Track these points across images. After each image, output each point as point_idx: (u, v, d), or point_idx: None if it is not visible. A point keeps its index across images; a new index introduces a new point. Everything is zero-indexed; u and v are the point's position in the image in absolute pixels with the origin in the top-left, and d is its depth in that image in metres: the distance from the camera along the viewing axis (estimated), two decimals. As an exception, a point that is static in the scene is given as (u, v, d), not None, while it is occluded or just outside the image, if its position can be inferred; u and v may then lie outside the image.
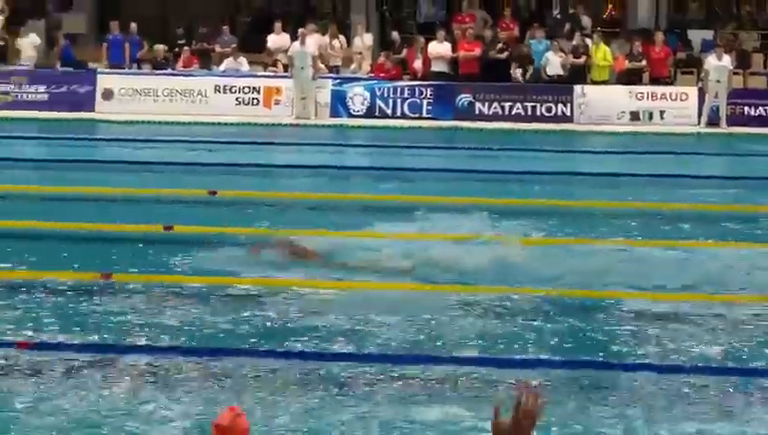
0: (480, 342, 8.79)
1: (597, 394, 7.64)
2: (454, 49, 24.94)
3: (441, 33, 25.13)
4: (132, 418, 7.06)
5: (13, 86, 23.82)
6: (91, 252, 11.44)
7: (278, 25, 26.04)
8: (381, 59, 25.37)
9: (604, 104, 23.83)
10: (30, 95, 23.85)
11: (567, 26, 25.81)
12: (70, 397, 7.38)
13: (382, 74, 24.91)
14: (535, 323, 9.36)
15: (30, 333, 8.79)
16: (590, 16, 27.22)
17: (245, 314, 9.36)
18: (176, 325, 9.06)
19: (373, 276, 10.64)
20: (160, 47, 25.99)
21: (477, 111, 23.99)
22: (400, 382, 7.75)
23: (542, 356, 8.45)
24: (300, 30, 24.42)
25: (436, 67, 24.80)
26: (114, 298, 9.84)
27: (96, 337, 8.74)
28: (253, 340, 8.77)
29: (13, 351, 8.24)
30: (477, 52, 24.78)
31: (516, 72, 24.72)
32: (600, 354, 8.66)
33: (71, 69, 25.20)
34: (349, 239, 11.89)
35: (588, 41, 24.85)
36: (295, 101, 23.77)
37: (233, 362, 8.05)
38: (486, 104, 24.04)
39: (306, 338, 8.75)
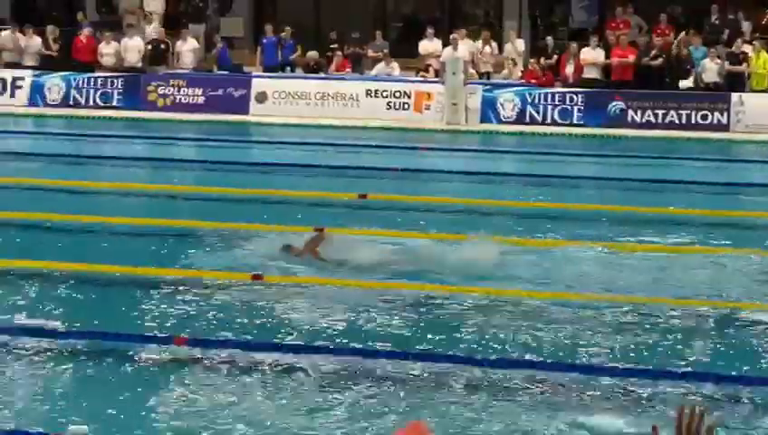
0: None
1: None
2: (607, 55, 24.63)
3: (594, 40, 24.88)
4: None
5: (172, 89, 24.50)
6: (243, 253, 11.65)
7: (430, 31, 26.18)
8: (532, 65, 25.22)
9: (763, 113, 23.15)
10: (188, 98, 24.49)
11: (726, 32, 25.17)
12: (252, 396, 7.53)
13: (533, 80, 24.76)
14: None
15: (187, 329, 9.02)
16: (751, 22, 26.44)
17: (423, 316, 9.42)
18: (323, 327, 9.17)
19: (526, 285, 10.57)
20: (313, 52, 26.40)
21: (630, 119, 23.61)
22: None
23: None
24: (452, 35, 24.44)
25: (588, 74, 24.53)
26: (265, 298, 10.01)
27: (252, 335, 8.90)
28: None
29: (172, 346, 8.48)
30: (631, 58, 24.42)
31: (676, 80, 24.24)
32: None
33: (227, 72, 25.80)
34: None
35: (747, 47, 24.19)
36: (446, 106, 23.80)
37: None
38: (639, 112, 23.64)
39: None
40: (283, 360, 8.19)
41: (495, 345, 8.74)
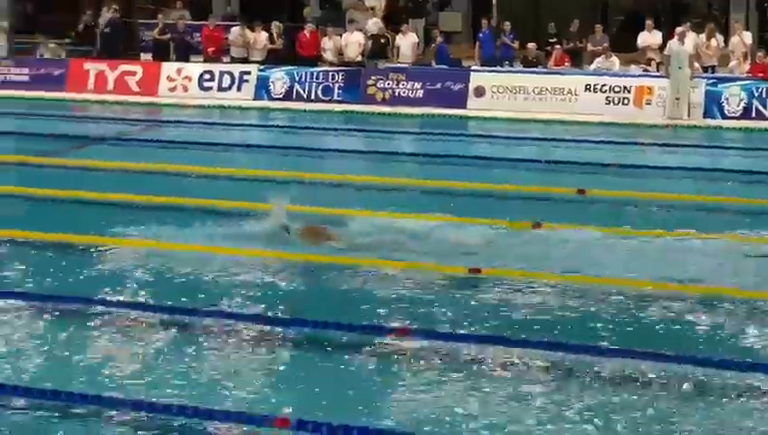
0: None
1: None
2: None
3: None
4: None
5: (391, 83, 24.84)
6: (458, 247, 11.70)
7: (649, 23, 25.62)
8: (761, 58, 24.29)
9: None
10: (407, 92, 24.78)
11: None
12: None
13: (761, 74, 23.85)
14: None
15: (406, 321, 9.15)
16: None
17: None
18: (530, 320, 9.13)
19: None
20: (532, 45, 26.24)
21: None
22: None
23: None
24: (678, 28, 23.83)
25: (821, 67, 23.47)
26: (484, 292, 10.04)
27: (472, 330, 8.94)
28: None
29: (389, 338, 8.62)
30: None
31: None
32: None
33: (445, 67, 25.96)
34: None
35: None
36: (668, 100, 23.22)
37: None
38: None
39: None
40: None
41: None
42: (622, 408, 7.20)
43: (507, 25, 26.48)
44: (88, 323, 8.97)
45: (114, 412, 7.09)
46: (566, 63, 25.86)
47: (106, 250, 11.35)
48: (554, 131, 21.43)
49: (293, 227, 11.90)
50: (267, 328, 8.89)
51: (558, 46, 26.15)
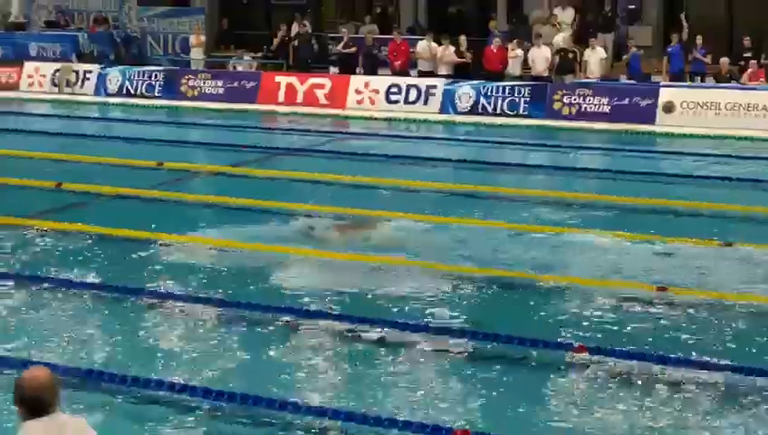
0: None
1: None
2: None
3: None
4: None
5: (577, 98, 24.61)
6: (645, 264, 11.51)
7: None
8: None
9: None
10: (593, 107, 24.49)
11: None
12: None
13: None
14: None
15: (590, 339, 9.07)
16: None
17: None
18: (718, 341, 8.90)
19: None
20: (725, 60, 25.55)
21: None
22: None
23: None
24: None
25: None
26: (671, 310, 9.85)
27: (658, 349, 8.80)
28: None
29: (570, 354, 8.56)
30: None
31: None
32: None
33: (633, 82, 25.54)
34: None
35: None
36: None
37: None
38: None
39: None
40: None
41: None
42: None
43: (699, 40, 25.86)
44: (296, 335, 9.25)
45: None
46: (761, 79, 25.05)
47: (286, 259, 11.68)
48: (748, 149, 20.80)
49: (320, 225, 12.58)
50: (453, 341, 8.97)
51: (753, 61, 25.37)
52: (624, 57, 26.59)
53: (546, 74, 25.96)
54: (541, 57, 25.96)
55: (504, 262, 11.54)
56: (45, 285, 10.46)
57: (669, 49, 25.92)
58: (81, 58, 30.05)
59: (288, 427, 7.19)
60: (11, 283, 10.57)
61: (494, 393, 7.87)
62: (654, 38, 28.58)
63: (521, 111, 24.81)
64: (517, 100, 24.94)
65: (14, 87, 28.62)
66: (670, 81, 25.34)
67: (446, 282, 10.74)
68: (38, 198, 14.91)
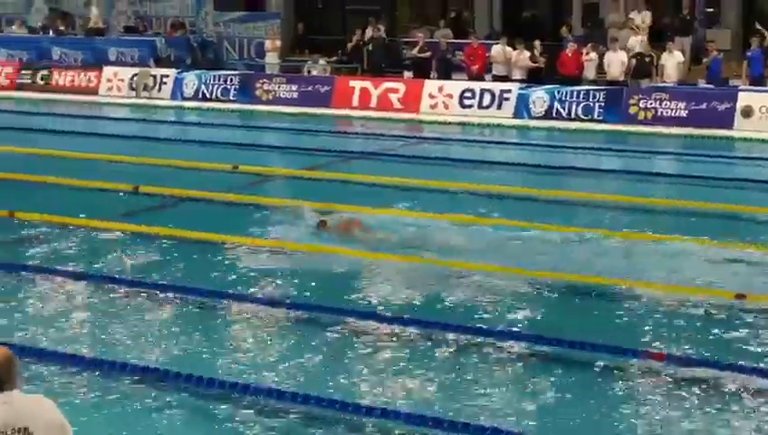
0: None
1: None
2: None
3: None
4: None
5: (654, 102, 24.34)
6: (727, 271, 11.35)
7: None
8: None
9: None
10: (670, 111, 24.21)
11: None
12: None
13: None
14: None
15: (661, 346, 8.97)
16: None
17: None
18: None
19: None
20: (805, 64, 25.09)
21: None
22: None
23: None
24: None
25: None
26: (750, 319, 9.70)
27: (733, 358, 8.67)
28: None
29: (643, 361, 8.48)
30: None
31: None
32: None
33: (711, 86, 25.19)
34: None
35: None
36: None
37: None
38: None
39: None
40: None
41: None
42: None
43: (779, 43, 25.41)
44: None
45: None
46: None
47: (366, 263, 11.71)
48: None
49: (328, 222, 12.84)
50: (520, 345, 8.94)
51: (836, 65, 24.88)
52: (704, 60, 26.23)
53: (622, 79, 25.72)
54: (616, 61, 25.72)
55: (590, 268, 11.42)
56: (123, 288, 10.61)
57: (749, 53, 25.51)
58: (159, 63, 30.47)
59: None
60: (86, 283, 10.76)
61: (561, 399, 7.83)
62: (733, 41, 28.16)
63: (596, 116, 24.60)
64: (592, 104, 24.73)
65: (94, 91, 29.12)
66: (750, 85, 24.95)
67: (526, 286, 10.70)
68: (116, 200, 15.13)
